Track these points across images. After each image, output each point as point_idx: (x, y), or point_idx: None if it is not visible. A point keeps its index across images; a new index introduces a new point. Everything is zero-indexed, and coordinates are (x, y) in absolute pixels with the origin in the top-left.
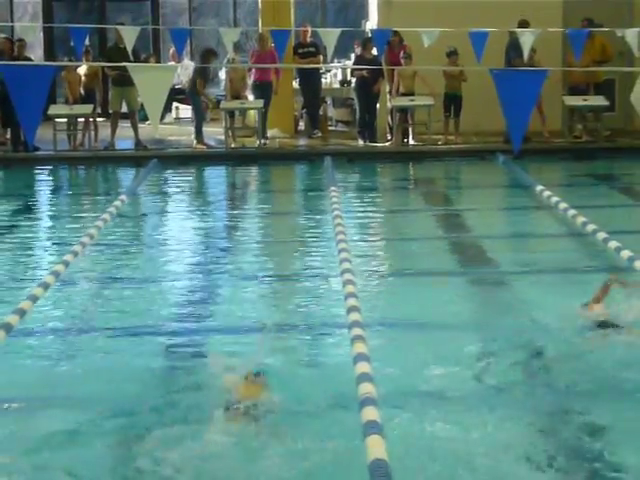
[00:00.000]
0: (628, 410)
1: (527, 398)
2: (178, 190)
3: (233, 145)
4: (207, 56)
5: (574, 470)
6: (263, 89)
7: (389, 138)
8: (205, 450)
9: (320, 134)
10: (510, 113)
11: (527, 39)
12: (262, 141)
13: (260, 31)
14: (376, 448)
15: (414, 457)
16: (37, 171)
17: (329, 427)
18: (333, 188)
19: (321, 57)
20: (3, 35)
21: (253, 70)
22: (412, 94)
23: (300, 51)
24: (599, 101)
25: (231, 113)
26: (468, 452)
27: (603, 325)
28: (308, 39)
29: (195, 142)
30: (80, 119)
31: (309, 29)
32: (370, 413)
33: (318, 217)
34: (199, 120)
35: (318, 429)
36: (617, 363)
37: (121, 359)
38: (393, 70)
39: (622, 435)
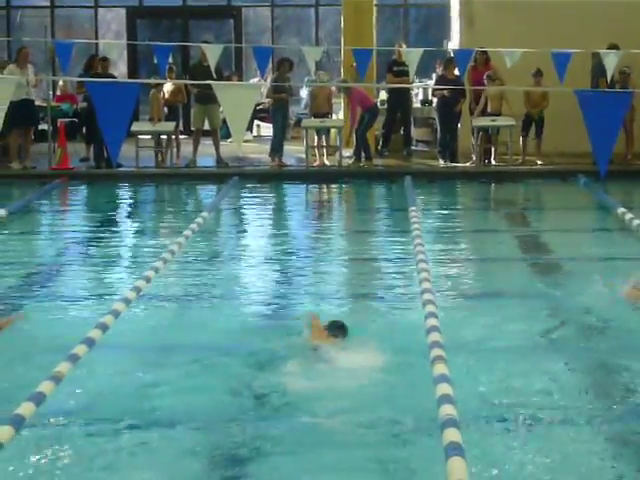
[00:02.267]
0: None
1: (615, 422)
2: (258, 207)
3: (316, 163)
4: (282, 65)
5: None
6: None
7: (474, 158)
8: None
9: (387, 153)
10: (595, 135)
11: (611, 60)
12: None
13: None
14: (458, 470)
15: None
16: (119, 187)
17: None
18: (413, 208)
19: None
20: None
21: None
22: (499, 114)
23: (395, 69)
24: None
25: (317, 131)
26: (549, 475)
27: None
28: (402, 58)
29: (271, 160)
30: (163, 136)
31: (404, 47)
32: (452, 435)
33: (398, 236)
34: (276, 136)
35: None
36: None
37: (202, 375)
38: (476, 89)
39: None
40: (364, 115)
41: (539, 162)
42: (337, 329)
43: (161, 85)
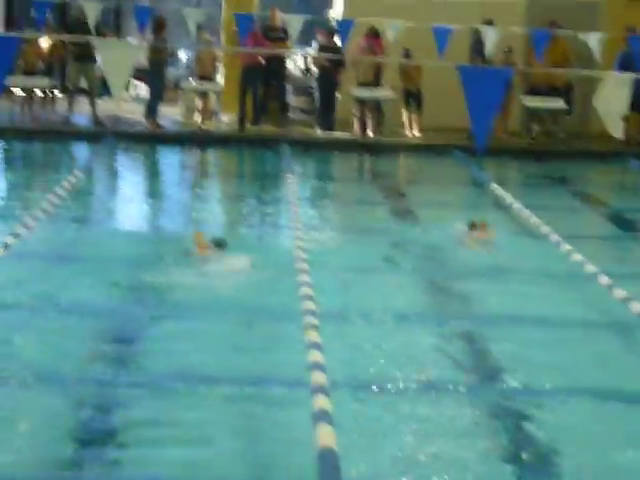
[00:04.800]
0: None
1: (470, 390)
2: (132, 168)
3: (202, 126)
4: (159, 25)
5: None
6: (256, 73)
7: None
8: None
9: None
10: (475, 111)
11: (490, 37)
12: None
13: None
14: (325, 436)
15: (362, 444)
16: None
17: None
18: (289, 176)
19: (289, 43)
20: None
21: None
22: (373, 85)
23: (270, 35)
24: (557, 104)
25: (202, 94)
26: (415, 439)
27: None
28: (278, 23)
29: (146, 121)
30: (38, 93)
31: (278, 13)
32: (320, 402)
33: (272, 204)
34: (152, 98)
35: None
36: None
37: (68, 335)
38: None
39: None
40: (249, 73)
41: (417, 135)
42: (218, 243)
43: (37, 39)
